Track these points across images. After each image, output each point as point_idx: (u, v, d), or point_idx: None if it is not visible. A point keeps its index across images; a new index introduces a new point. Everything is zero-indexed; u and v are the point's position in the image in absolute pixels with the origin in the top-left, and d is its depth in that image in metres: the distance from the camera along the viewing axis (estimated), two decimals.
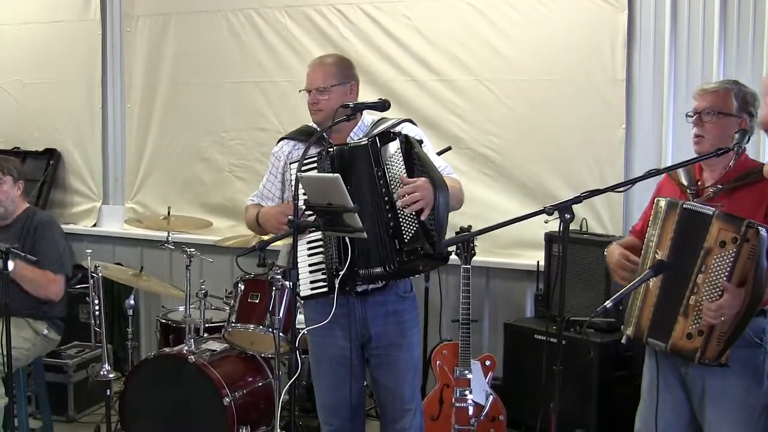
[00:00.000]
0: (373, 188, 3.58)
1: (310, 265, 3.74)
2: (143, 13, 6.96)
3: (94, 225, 7.25)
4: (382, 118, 3.97)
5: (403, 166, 3.56)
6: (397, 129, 3.81)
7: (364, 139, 3.77)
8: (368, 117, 3.99)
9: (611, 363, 5.02)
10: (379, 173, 3.57)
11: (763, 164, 3.43)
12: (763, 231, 3.12)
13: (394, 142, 3.61)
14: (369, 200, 3.56)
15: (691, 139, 3.53)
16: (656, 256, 3.36)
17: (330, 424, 4.00)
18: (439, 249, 3.54)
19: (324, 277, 3.70)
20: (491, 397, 5.14)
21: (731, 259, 3.16)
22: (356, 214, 3.40)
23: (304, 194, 3.53)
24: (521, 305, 5.91)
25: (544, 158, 5.73)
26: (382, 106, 3.78)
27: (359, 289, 3.78)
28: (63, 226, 6.57)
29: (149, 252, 7.00)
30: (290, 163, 3.90)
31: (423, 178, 3.50)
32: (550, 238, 5.40)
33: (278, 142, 4.12)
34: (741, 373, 3.32)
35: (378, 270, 3.60)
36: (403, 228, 3.51)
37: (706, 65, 5.27)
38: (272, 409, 4.88)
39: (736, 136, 3.31)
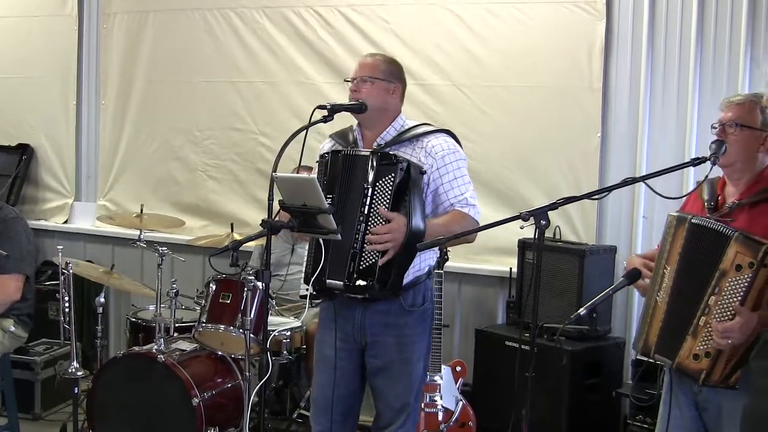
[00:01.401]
0: (357, 202, 3.58)
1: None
2: (120, 10, 6.93)
3: (66, 221, 7.20)
4: (422, 123, 3.90)
5: (390, 196, 3.53)
6: (426, 140, 3.76)
7: (367, 150, 3.72)
8: (407, 120, 3.88)
9: (583, 370, 5.04)
10: (366, 191, 3.56)
11: None
12: None
13: (394, 167, 3.55)
14: (350, 211, 3.56)
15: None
16: (664, 271, 3.32)
17: (319, 423, 3.95)
18: (391, 286, 3.56)
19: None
20: (461, 402, 5.14)
21: (746, 283, 3.08)
22: (330, 215, 3.40)
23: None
24: (493, 312, 5.91)
25: (519, 165, 5.74)
26: (359, 108, 3.76)
27: (360, 296, 3.72)
28: (34, 222, 6.53)
29: (120, 250, 6.94)
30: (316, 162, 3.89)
31: (402, 219, 3.49)
32: (523, 245, 5.41)
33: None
34: None
35: (339, 283, 3.59)
36: (363, 255, 3.53)
37: (682, 75, 5.29)
38: (241, 411, 4.85)
39: (713, 146, 3.30)
